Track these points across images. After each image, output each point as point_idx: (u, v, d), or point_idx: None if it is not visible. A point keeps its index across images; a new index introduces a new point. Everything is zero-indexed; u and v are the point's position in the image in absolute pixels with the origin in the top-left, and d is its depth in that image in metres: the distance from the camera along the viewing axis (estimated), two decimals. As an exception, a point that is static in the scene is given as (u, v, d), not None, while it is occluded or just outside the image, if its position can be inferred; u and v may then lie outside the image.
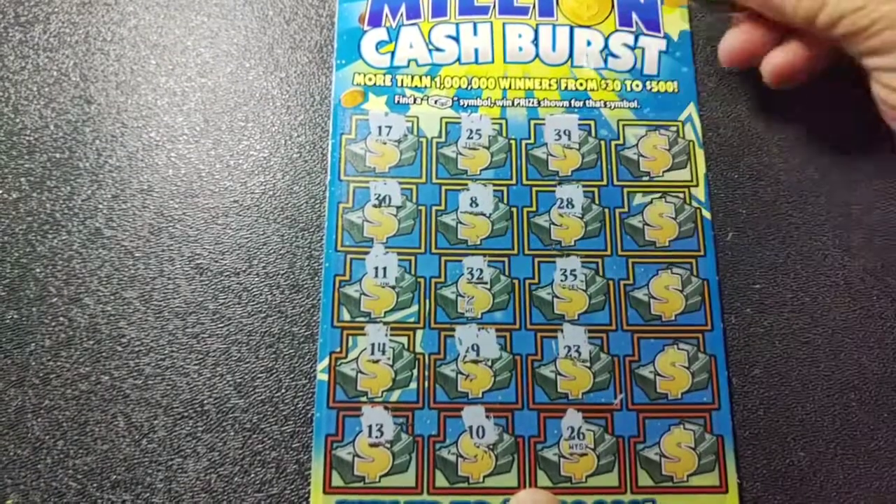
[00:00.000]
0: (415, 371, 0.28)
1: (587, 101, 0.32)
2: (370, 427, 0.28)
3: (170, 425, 0.28)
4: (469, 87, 0.32)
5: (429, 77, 0.32)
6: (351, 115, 0.31)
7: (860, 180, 0.31)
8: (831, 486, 0.28)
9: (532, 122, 0.32)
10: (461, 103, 0.32)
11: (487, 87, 0.32)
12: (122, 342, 0.29)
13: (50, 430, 0.28)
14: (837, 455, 0.28)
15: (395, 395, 0.28)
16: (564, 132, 0.32)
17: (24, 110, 0.31)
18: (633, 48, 0.33)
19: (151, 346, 0.29)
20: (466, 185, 0.31)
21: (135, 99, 0.32)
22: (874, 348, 0.29)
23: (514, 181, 0.31)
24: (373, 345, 0.28)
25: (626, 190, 0.31)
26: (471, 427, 0.28)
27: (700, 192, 0.31)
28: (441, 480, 0.27)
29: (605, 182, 0.31)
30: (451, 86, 0.32)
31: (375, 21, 0.33)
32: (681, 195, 0.31)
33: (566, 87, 0.32)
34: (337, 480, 0.27)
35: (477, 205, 0.30)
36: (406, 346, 0.28)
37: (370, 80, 0.32)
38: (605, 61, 0.33)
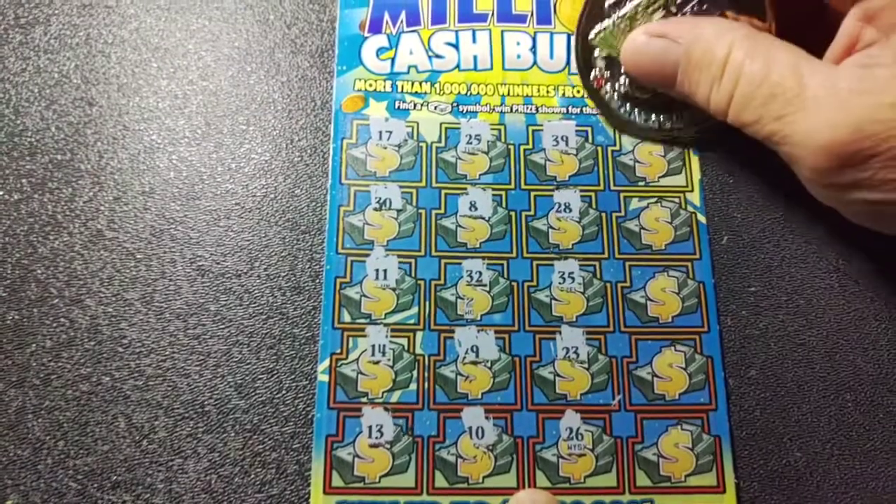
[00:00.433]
0: (415, 372, 0.28)
1: (584, 108, 0.33)
2: (370, 428, 0.28)
3: (170, 426, 0.28)
4: (468, 94, 0.32)
5: (428, 83, 0.33)
6: (352, 120, 0.32)
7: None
8: (828, 485, 0.28)
9: (530, 128, 0.32)
10: (460, 109, 0.32)
11: (486, 94, 0.33)
12: (123, 343, 0.29)
13: (50, 431, 0.28)
14: (834, 455, 0.28)
15: (395, 396, 0.28)
16: (562, 138, 0.32)
17: (26, 112, 0.32)
18: (629, 56, 0.33)
19: (152, 347, 0.29)
20: (466, 189, 0.31)
21: (136, 101, 0.32)
22: (869, 350, 0.30)
23: (512, 186, 0.31)
24: (373, 346, 0.29)
25: (622, 195, 0.31)
26: (470, 428, 0.28)
27: (695, 197, 0.31)
28: (441, 481, 0.27)
29: (601, 187, 0.31)
30: (451, 92, 0.32)
31: (376, 28, 0.33)
32: (676, 200, 0.31)
33: (564, 94, 0.33)
34: (337, 481, 0.27)
35: (476, 209, 0.31)
36: (406, 348, 0.29)
37: (371, 85, 0.32)
38: (602, 68, 0.33)
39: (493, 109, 0.32)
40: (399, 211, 0.30)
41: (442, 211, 0.31)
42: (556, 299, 0.30)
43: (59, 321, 0.29)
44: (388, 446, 0.27)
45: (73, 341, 0.29)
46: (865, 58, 0.25)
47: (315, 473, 0.27)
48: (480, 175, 0.31)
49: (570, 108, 0.33)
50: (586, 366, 0.29)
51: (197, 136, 0.32)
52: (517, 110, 0.32)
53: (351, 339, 0.29)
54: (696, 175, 0.32)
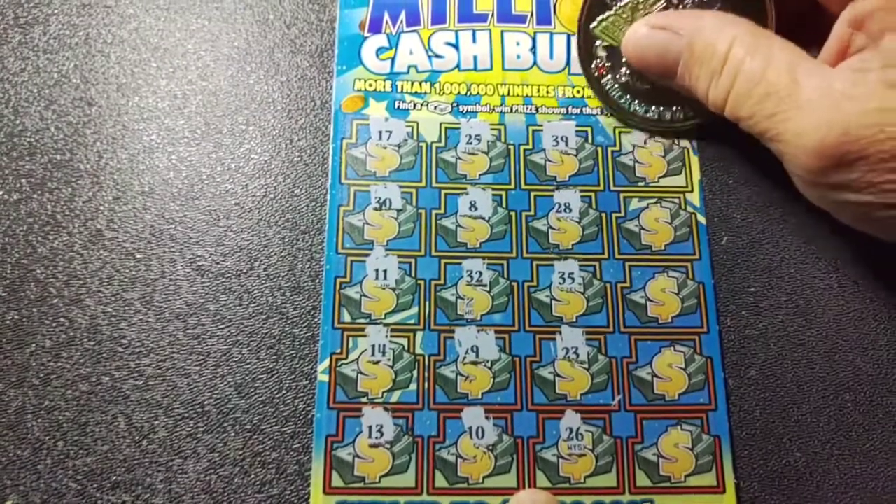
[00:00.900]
0: (415, 372, 0.28)
1: (584, 108, 0.33)
2: (370, 428, 0.28)
3: (170, 426, 0.28)
4: (468, 94, 0.32)
5: (428, 83, 0.33)
6: (351, 120, 0.32)
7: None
8: (827, 486, 0.28)
9: (530, 128, 0.32)
10: (460, 109, 0.32)
11: (486, 94, 0.33)
12: (122, 343, 0.29)
13: (50, 431, 0.27)
14: (833, 455, 0.28)
15: (395, 396, 0.28)
16: (562, 138, 0.32)
17: (25, 112, 0.32)
18: (629, 56, 0.33)
19: (152, 347, 0.29)
20: (466, 189, 0.31)
21: (136, 101, 0.32)
22: (868, 350, 0.30)
23: (512, 186, 0.31)
24: (373, 346, 0.29)
25: (622, 195, 0.31)
26: (470, 428, 0.28)
27: (695, 198, 0.31)
28: (441, 481, 0.27)
29: (601, 187, 0.31)
30: (451, 92, 0.32)
31: (376, 28, 0.33)
32: (676, 200, 0.31)
33: (563, 94, 0.33)
34: (337, 481, 0.27)
35: (476, 209, 0.31)
36: (406, 348, 0.29)
37: (370, 85, 0.32)
38: (602, 68, 0.33)
39: (493, 109, 0.32)
40: (399, 211, 0.30)
41: (442, 211, 0.31)
42: (556, 299, 0.30)
43: (59, 321, 0.29)
44: (388, 446, 0.27)
45: (73, 341, 0.29)
46: (859, 62, 0.26)
47: (315, 473, 0.27)
48: (480, 175, 0.31)
49: (569, 109, 0.33)
50: (586, 366, 0.29)
51: (196, 136, 0.32)
52: (517, 110, 0.32)
53: (351, 339, 0.29)
54: (696, 175, 0.32)
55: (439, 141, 0.32)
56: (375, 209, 0.30)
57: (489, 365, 0.29)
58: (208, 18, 0.33)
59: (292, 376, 0.29)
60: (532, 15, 0.34)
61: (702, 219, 0.31)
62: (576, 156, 0.32)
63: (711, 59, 0.28)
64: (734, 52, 0.27)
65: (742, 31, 0.27)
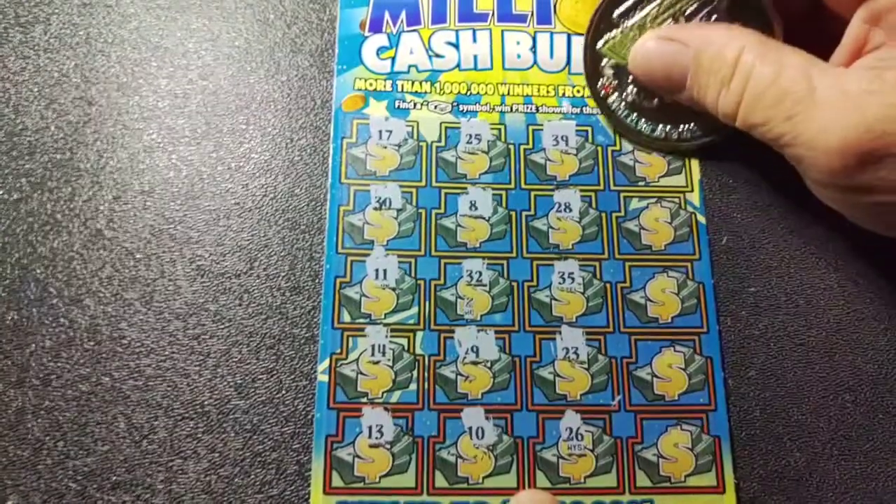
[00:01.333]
0: (415, 372, 0.28)
1: (584, 108, 0.33)
2: (370, 428, 0.28)
3: (170, 426, 0.28)
4: (468, 93, 0.32)
5: (429, 83, 0.33)
6: (352, 120, 0.32)
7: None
8: (827, 486, 0.28)
9: (530, 128, 0.32)
10: (460, 109, 0.32)
11: (486, 93, 0.33)
12: (122, 343, 0.29)
13: (50, 431, 0.27)
14: (833, 455, 0.28)
15: (395, 397, 0.28)
16: (562, 138, 0.32)
17: (25, 111, 0.32)
18: (629, 56, 0.33)
19: (152, 347, 0.29)
20: (466, 188, 0.31)
21: (136, 101, 0.32)
22: (868, 350, 0.30)
23: (512, 185, 0.31)
24: (373, 346, 0.29)
25: (622, 195, 0.31)
26: (470, 428, 0.28)
27: (695, 198, 0.31)
28: (441, 481, 0.27)
29: (601, 187, 0.31)
30: (451, 91, 0.32)
31: (376, 27, 0.33)
32: (676, 200, 0.31)
33: (563, 94, 0.33)
34: (337, 481, 0.27)
35: (476, 208, 0.31)
36: (406, 348, 0.29)
37: (371, 85, 0.32)
38: (603, 68, 0.33)
39: (493, 109, 0.32)
40: (399, 210, 0.30)
41: (442, 210, 0.30)
42: (556, 299, 0.30)
43: (59, 321, 0.29)
44: (388, 446, 0.27)
45: (73, 341, 0.29)
46: (875, 60, 0.25)
47: (315, 474, 0.27)
48: (480, 175, 0.31)
49: (570, 108, 0.33)
50: (586, 366, 0.29)
51: (196, 136, 0.32)
52: (517, 110, 0.32)
53: (351, 339, 0.29)
54: (696, 175, 0.32)
55: (439, 140, 0.32)
56: (375, 209, 0.30)
57: (489, 365, 0.29)
58: (209, 18, 0.33)
59: (292, 376, 0.29)
60: (532, 14, 0.34)
61: (702, 219, 0.31)
62: (576, 155, 0.32)
63: (720, 69, 0.27)
64: (743, 58, 0.27)
65: (751, 40, 0.27)
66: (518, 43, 0.33)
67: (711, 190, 0.32)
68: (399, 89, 0.32)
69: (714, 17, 0.30)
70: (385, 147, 0.31)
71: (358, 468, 0.27)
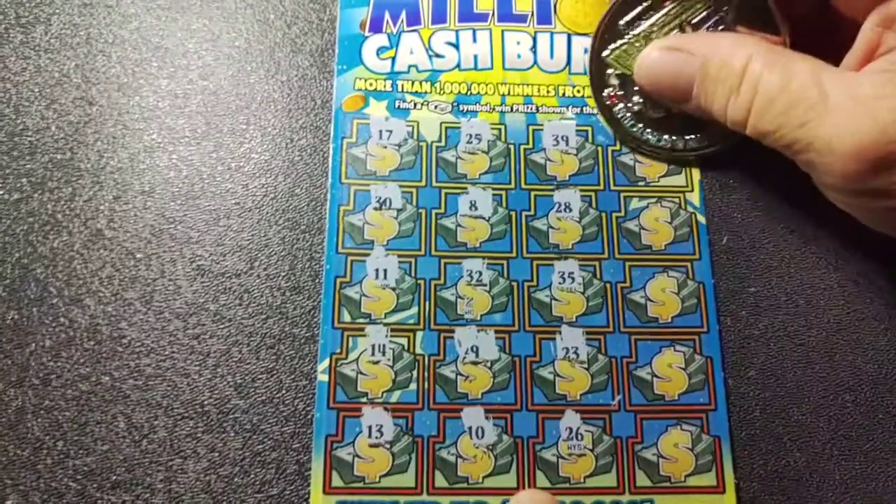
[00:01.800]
0: (415, 372, 0.28)
1: (584, 108, 0.33)
2: (370, 428, 0.28)
3: (170, 426, 0.28)
4: (468, 93, 0.32)
5: (429, 83, 0.33)
6: (352, 120, 0.32)
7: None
8: (827, 486, 0.28)
9: (530, 128, 0.32)
10: (461, 108, 0.32)
11: (486, 93, 0.33)
12: (122, 343, 0.29)
13: (50, 431, 0.28)
14: (833, 455, 0.28)
15: (395, 396, 0.28)
16: (562, 138, 0.32)
17: (26, 111, 0.32)
18: (629, 55, 0.33)
19: (152, 346, 0.29)
20: (466, 188, 0.31)
21: (136, 101, 0.32)
22: (868, 350, 0.30)
23: (512, 185, 0.31)
24: (373, 346, 0.29)
25: (622, 195, 0.31)
26: (470, 428, 0.28)
27: (695, 197, 0.31)
28: (440, 481, 0.27)
29: (602, 187, 0.31)
30: (451, 91, 0.32)
31: (376, 27, 0.33)
32: (676, 200, 0.31)
33: (564, 94, 0.33)
34: (337, 481, 0.27)
35: (476, 208, 0.31)
36: (406, 348, 0.29)
37: (371, 85, 0.32)
38: (603, 68, 0.33)
39: (494, 109, 0.32)
40: (399, 210, 0.30)
41: (442, 210, 0.31)
42: (556, 299, 0.30)
43: (59, 321, 0.29)
44: (388, 446, 0.27)
45: (73, 341, 0.29)
46: (888, 63, 0.25)
47: (315, 473, 0.27)
48: (480, 175, 0.31)
49: (570, 108, 0.33)
50: (586, 366, 0.29)
51: (197, 136, 0.32)
52: (517, 110, 0.32)
53: (351, 338, 0.29)
54: (696, 175, 0.32)
55: (439, 140, 0.32)
56: (375, 209, 0.30)
57: (489, 365, 0.29)
58: (209, 18, 0.33)
59: (292, 376, 0.29)
60: (532, 14, 0.34)
61: (702, 218, 0.31)
62: (576, 155, 0.32)
63: (728, 76, 0.27)
64: (752, 66, 0.27)
65: (758, 48, 0.27)
66: (518, 43, 0.33)
67: (711, 190, 0.32)
68: (399, 89, 0.32)
69: (721, 26, 0.30)
70: (385, 147, 0.31)
71: (358, 468, 0.27)
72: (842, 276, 0.31)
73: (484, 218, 0.30)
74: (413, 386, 0.28)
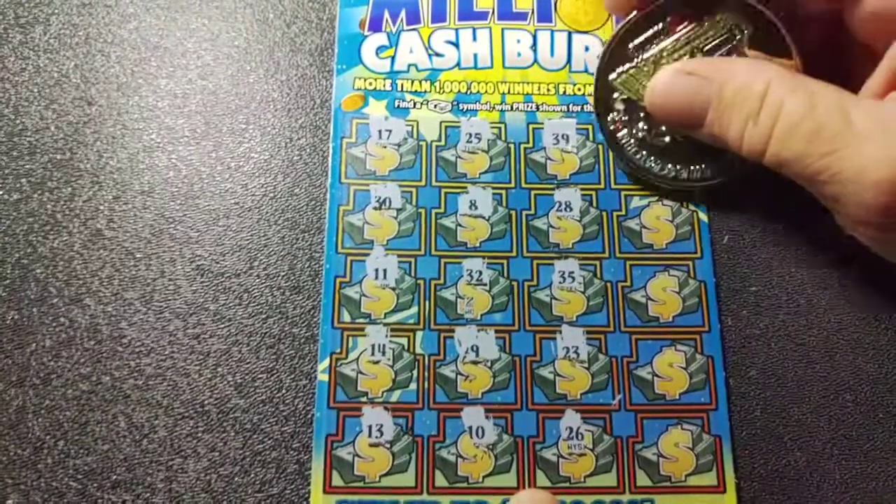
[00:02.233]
0: (415, 372, 0.28)
1: (585, 106, 0.32)
2: (370, 427, 0.28)
3: (170, 425, 0.28)
4: (468, 92, 0.32)
5: (428, 82, 0.32)
6: (351, 119, 0.32)
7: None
8: (828, 485, 0.28)
9: (531, 127, 0.32)
10: (460, 107, 0.32)
11: (486, 92, 0.32)
12: (122, 343, 0.29)
13: (50, 431, 0.28)
14: (834, 455, 0.28)
15: (395, 396, 0.28)
16: (563, 136, 0.32)
17: (25, 111, 0.32)
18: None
19: (152, 346, 0.29)
20: (466, 188, 0.31)
21: (136, 101, 0.32)
22: (869, 350, 0.30)
23: (512, 184, 0.31)
24: (373, 346, 0.29)
25: (623, 193, 0.31)
26: (470, 427, 0.28)
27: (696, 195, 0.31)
28: (441, 480, 0.27)
29: (602, 185, 0.31)
30: (451, 90, 0.32)
31: (376, 26, 0.33)
32: (677, 198, 0.31)
33: (564, 92, 0.33)
34: (337, 480, 0.27)
35: (476, 208, 0.31)
36: (406, 347, 0.29)
37: (370, 84, 0.32)
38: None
39: (494, 108, 0.32)
40: (399, 210, 0.30)
41: (442, 210, 0.30)
42: (556, 299, 0.30)
43: (59, 321, 0.29)
44: (388, 446, 0.27)
45: (73, 341, 0.29)
46: None
47: (315, 473, 0.27)
48: (480, 174, 0.31)
49: (570, 107, 0.32)
50: (586, 365, 0.29)
51: (196, 136, 0.32)
52: (517, 108, 0.32)
53: (351, 338, 0.29)
54: (697, 174, 0.32)
55: (439, 140, 0.32)
56: (375, 208, 0.30)
57: (489, 364, 0.29)
58: (208, 17, 0.33)
59: (292, 376, 0.29)
60: (533, 12, 0.34)
61: (703, 217, 0.31)
62: (576, 154, 0.32)
63: (746, 102, 0.26)
64: (773, 90, 0.25)
65: (777, 73, 0.26)
66: (518, 41, 0.33)
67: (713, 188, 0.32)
68: (399, 88, 0.32)
69: (734, 54, 0.29)
70: (385, 146, 0.31)
71: (358, 467, 0.27)
72: (842, 275, 0.31)
73: (484, 217, 0.30)
74: (413, 386, 0.28)
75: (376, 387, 0.28)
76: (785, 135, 0.25)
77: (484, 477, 0.27)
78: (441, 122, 0.32)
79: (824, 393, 0.29)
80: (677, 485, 0.27)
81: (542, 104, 0.32)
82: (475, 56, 0.33)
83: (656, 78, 0.29)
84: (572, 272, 0.30)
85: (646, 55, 0.30)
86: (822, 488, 0.28)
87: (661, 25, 0.30)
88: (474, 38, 0.33)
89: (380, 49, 0.33)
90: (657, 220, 0.31)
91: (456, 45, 0.33)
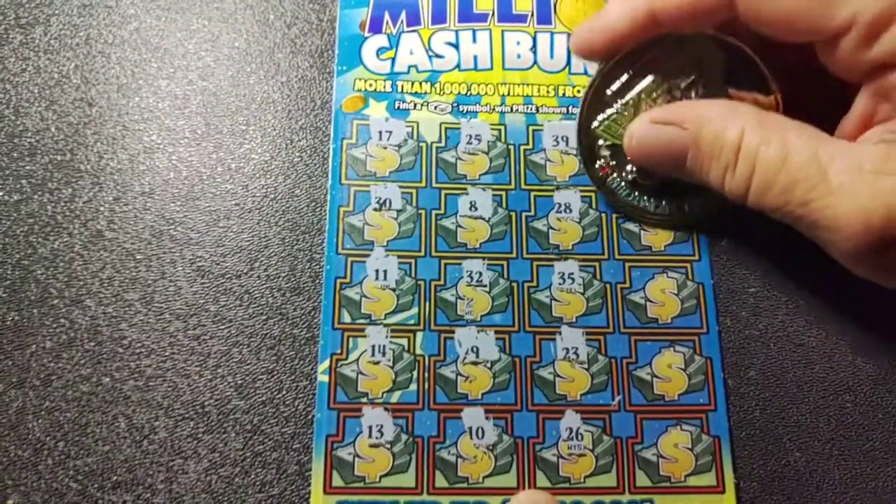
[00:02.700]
0: (415, 373, 0.28)
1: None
2: (370, 428, 0.28)
3: (171, 426, 0.28)
4: (468, 94, 0.32)
5: (429, 83, 0.33)
6: (352, 120, 0.32)
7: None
8: (827, 486, 0.28)
9: (530, 128, 0.32)
10: (460, 109, 0.32)
11: (486, 94, 0.33)
12: (123, 344, 0.29)
13: (51, 432, 0.28)
14: (833, 455, 0.28)
15: (395, 397, 0.28)
16: (562, 138, 0.32)
17: (26, 112, 0.32)
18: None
19: (152, 347, 0.29)
20: (466, 189, 0.31)
21: (136, 102, 0.32)
22: (868, 350, 0.30)
23: (512, 186, 0.31)
24: (373, 346, 0.29)
25: (622, 195, 0.31)
26: (470, 428, 0.28)
27: (695, 198, 0.31)
28: (441, 481, 0.27)
29: (602, 187, 0.31)
30: (451, 92, 0.32)
31: (376, 27, 0.33)
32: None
33: (564, 94, 0.33)
34: (337, 481, 0.27)
35: (476, 209, 0.31)
36: (406, 348, 0.29)
37: (371, 85, 0.32)
38: (602, 68, 0.33)
39: (494, 109, 0.32)
40: (399, 211, 0.30)
41: (442, 211, 0.31)
42: (556, 300, 0.30)
43: (59, 322, 0.29)
44: (389, 446, 0.28)
45: (73, 342, 0.29)
46: (886, 133, 0.25)
47: (315, 473, 0.27)
48: (480, 175, 0.31)
49: (570, 108, 0.33)
50: (586, 366, 0.29)
51: (196, 137, 0.32)
52: (517, 110, 0.32)
53: (351, 339, 0.29)
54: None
55: (439, 141, 0.32)
56: (375, 209, 0.30)
57: (489, 365, 0.29)
58: (209, 19, 0.33)
59: (292, 377, 0.29)
60: (532, 14, 0.34)
61: (702, 219, 0.31)
62: (576, 156, 0.32)
63: (722, 151, 0.26)
64: (747, 140, 0.26)
65: (750, 118, 0.26)
66: (518, 43, 0.33)
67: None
68: (399, 90, 0.32)
69: (711, 88, 0.29)
70: (385, 148, 0.31)
71: (358, 468, 0.27)
72: (842, 276, 0.31)
73: (484, 219, 0.31)
74: (413, 386, 0.28)
75: (376, 387, 0.28)
76: (762, 187, 0.25)
77: (484, 477, 0.27)
78: (441, 124, 0.32)
79: (823, 393, 0.29)
80: (677, 485, 0.28)
81: (541, 106, 0.33)
82: (475, 58, 0.33)
83: (632, 127, 0.29)
84: (572, 273, 0.30)
85: (624, 100, 0.30)
86: (821, 488, 0.28)
87: (635, 69, 0.29)
88: (474, 40, 0.33)
89: (380, 50, 0.33)
90: (656, 221, 0.31)
91: (456, 46, 0.33)
